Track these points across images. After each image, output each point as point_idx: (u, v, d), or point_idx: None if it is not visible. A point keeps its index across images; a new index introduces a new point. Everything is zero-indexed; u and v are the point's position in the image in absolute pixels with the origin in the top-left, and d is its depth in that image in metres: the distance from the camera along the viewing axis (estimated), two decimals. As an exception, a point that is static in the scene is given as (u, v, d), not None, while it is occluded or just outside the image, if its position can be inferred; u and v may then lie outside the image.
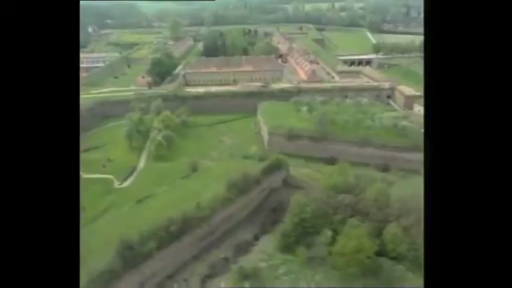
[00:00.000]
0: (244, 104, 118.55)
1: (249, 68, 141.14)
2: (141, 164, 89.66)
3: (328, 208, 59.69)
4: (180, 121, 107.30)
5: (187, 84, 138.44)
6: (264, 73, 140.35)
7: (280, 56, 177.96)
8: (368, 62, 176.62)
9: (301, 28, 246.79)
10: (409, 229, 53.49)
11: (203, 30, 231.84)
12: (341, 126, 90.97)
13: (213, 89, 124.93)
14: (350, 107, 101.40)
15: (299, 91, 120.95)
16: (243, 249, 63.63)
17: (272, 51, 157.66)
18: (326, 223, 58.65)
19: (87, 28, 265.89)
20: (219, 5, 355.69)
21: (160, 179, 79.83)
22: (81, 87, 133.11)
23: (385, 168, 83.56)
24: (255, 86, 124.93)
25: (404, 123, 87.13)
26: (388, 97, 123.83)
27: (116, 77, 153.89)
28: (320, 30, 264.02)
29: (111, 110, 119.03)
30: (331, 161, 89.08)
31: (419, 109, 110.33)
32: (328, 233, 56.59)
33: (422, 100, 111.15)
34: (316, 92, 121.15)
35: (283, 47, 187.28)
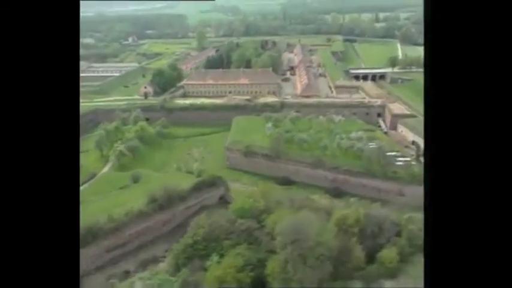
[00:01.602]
0: (227, 117, 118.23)
1: (246, 81, 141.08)
2: (102, 172, 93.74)
3: (221, 232, 57.71)
4: (156, 132, 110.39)
5: (185, 96, 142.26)
6: (260, 86, 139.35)
7: (292, 68, 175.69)
8: (382, 76, 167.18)
9: (329, 39, 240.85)
10: (287, 262, 49.87)
11: (228, 41, 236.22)
12: (297, 146, 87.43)
13: (199, 101, 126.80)
14: (320, 125, 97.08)
15: (282, 106, 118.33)
16: (148, 264, 63.83)
17: (275, 64, 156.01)
18: (218, 247, 56.76)
19: (127, 38, 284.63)
20: (258, 14, 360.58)
21: (107, 188, 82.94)
22: (90, 96, 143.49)
23: (336, 192, 79.11)
24: (240, 99, 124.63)
25: (361, 145, 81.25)
26: (379, 115, 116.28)
27: (127, 86, 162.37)
28: (351, 41, 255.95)
29: (104, 117, 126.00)
30: (283, 181, 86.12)
31: (401, 130, 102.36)
32: (215, 258, 54.74)
33: (410, 120, 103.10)
34: (301, 107, 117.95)
35: (297, 60, 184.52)
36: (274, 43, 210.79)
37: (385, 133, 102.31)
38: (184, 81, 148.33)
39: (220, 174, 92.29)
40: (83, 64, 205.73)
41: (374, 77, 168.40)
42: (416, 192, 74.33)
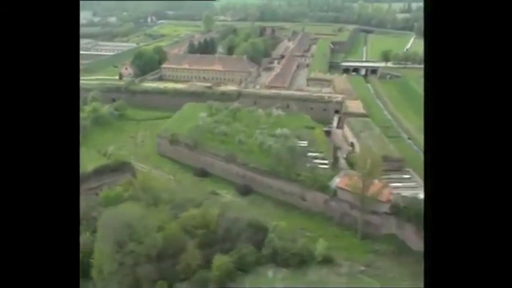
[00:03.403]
0: (185, 103, 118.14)
1: (219, 68, 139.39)
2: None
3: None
4: (108, 113, 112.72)
5: (162, 79, 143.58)
6: (233, 74, 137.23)
7: (282, 57, 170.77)
8: (374, 71, 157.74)
9: (340, 29, 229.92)
10: (101, 254, 49.78)
11: (235, 25, 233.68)
12: (217, 138, 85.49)
13: (162, 85, 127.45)
14: (256, 118, 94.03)
15: (239, 95, 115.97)
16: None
17: (257, 51, 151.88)
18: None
19: (146, 17, 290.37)
20: (284, 0, 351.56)
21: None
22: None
23: (245, 190, 77.34)
24: (200, 86, 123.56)
25: (271, 143, 77.74)
26: (336, 112, 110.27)
27: (116, 66, 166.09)
28: (368, 32, 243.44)
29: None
30: (200, 172, 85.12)
31: (346, 129, 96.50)
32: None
33: (354, 119, 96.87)
34: (258, 98, 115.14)
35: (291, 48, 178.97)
36: (273, 30, 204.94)
37: (328, 132, 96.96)
38: (162, 65, 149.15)
39: (148, 160, 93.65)
40: (90, 41, 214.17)
41: (367, 71, 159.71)
42: (317, 198, 70.40)
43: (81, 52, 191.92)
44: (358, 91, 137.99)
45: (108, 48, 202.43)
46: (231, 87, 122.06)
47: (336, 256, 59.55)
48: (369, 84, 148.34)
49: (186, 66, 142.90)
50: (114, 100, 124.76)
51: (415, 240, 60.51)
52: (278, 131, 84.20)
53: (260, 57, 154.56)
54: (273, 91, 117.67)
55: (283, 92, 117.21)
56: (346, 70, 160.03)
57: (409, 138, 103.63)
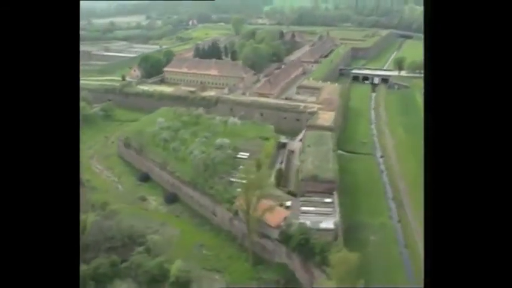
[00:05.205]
0: (168, 106, 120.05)
1: (215, 72, 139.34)
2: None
3: None
4: (93, 113, 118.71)
5: (164, 82, 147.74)
6: (227, 79, 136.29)
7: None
8: (385, 80, 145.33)
9: (373, 34, 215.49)
10: None
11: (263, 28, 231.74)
12: (159, 144, 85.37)
13: (152, 88, 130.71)
14: (212, 126, 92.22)
15: (217, 102, 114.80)
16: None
17: (258, 57, 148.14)
18: None
19: (188, 20, 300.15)
20: (330, 3, 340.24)
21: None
22: (84, 74, 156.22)
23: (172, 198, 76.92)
24: (184, 90, 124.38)
25: (196, 152, 75.58)
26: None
27: (131, 68, 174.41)
28: (408, 37, 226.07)
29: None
30: (141, 177, 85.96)
31: (300, 146, 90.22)
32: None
33: (312, 133, 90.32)
34: (234, 105, 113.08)
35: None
36: (293, 35, 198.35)
37: (284, 144, 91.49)
38: (164, 68, 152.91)
39: (106, 160, 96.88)
40: (125, 44, 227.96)
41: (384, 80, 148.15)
42: (224, 215, 67.00)
43: (112, 54, 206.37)
44: (358, 101, 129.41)
45: (137, 51, 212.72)
46: (211, 93, 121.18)
47: (214, 279, 56.50)
48: (374, 94, 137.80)
49: (185, 70, 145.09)
50: (109, 100, 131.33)
51: (301, 272, 54.66)
52: (218, 140, 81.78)
53: (264, 62, 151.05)
54: (251, 98, 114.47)
55: (260, 99, 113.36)
56: (356, 78, 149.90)
57: (381, 156, 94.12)
